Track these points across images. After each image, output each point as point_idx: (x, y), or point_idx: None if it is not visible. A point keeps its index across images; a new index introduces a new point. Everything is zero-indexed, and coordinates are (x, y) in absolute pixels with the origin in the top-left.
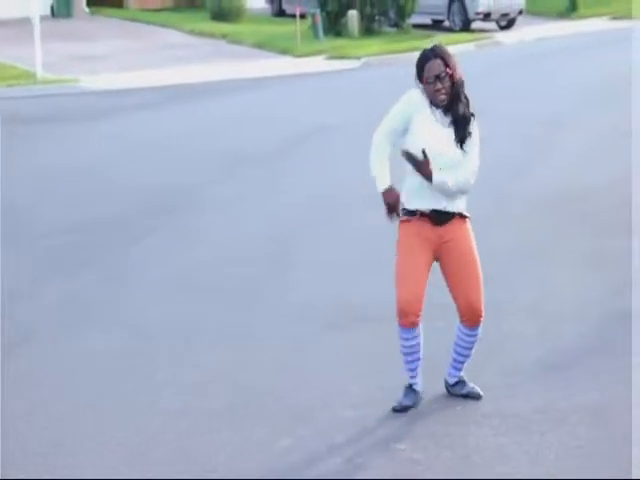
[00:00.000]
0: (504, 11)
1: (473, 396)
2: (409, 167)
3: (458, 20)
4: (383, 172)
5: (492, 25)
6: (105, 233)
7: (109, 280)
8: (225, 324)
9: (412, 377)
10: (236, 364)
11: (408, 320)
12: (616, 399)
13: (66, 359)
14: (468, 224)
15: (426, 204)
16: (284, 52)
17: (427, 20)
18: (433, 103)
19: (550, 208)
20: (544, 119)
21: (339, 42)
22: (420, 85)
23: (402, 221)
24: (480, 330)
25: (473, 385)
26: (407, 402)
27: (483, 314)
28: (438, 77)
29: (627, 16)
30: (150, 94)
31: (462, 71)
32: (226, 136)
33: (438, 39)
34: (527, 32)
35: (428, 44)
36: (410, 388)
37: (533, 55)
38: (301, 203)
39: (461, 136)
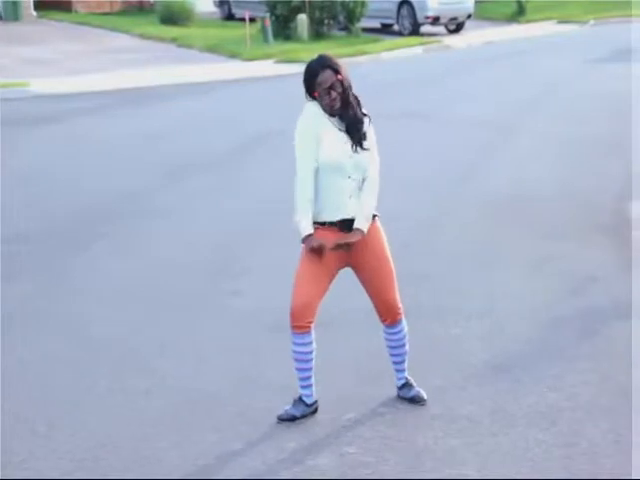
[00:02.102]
0: (453, 15)
1: (418, 400)
2: (321, 182)
3: (407, 24)
4: (307, 219)
5: (441, 29)
6: (49, 240)
7: (51, 288)
8: (171, 331)
9: (302, 387)
10: (182, 370)
11: (297, 325)
12: (563, 402)
13: (7, 369)
14: (377, 223)
15: (333, 215)
16: (233, 56)
17: (376, 24)
18: (329, 113)
19: (498, 212)
20: (492, 123)
21: (288, 46)
22: (309, 99)
23: (308, 235)
24: (404, 326)
25: (419, 389)
26: (294, 412)
27: (401, 310)
28: (331, 87)
29: (573, 20)
30: (99, 98)
31: (347, 72)
32: (175, 141)
33: (387, 43)
34: (476, 36)
35: (377, 48)
36: (300, 400)
37: (481, 59)
38: (249, 208)
39: (357, 139)
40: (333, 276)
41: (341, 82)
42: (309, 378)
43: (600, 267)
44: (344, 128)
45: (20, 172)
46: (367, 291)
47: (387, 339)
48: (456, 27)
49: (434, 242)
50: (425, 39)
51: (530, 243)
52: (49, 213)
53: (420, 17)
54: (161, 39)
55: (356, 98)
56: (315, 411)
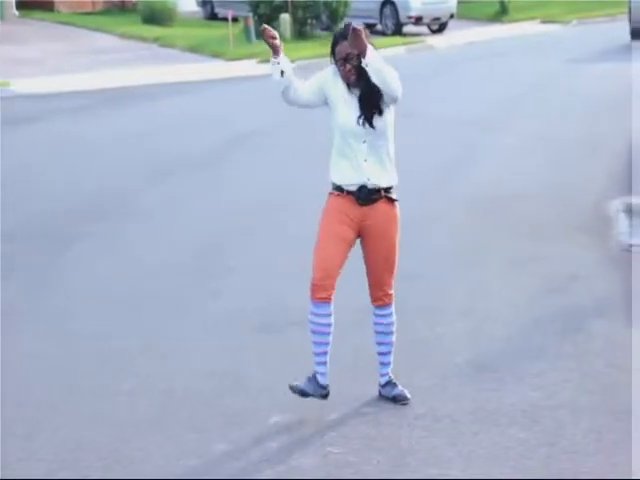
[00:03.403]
0: (436, 15)
1: (401, 399)
2: (335, 140)
3: (390, 24)
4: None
5: (424, 29)
6: (33, 240)
7: (33, 289)
8: (155, 331)
9: (317, 363)
10: (166, 371)
11: (320, 295)
12: (544, 401)
13: None
14: (395, 209)
15: (349, 179)
16: (216, 55)
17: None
18: (346, 82)
19: (480, 211)
20: (475, 122)
21: None
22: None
23: (330, 193)
24: (392, 313)
25: (402, 388)
26: (306, 388)
27: (392, 295)
28: (345, 59)
29: (556, 20)
30: (82, 98)
31: (368, 45)
32: (158, 140)
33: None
34: (458, 36)
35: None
36: (313, 377)
37: (464, 59)
38: (233, 208)
39: (368, 114)
40: (352, 244)
41: (357, 55)
42: (325, 354)
43: (581, 266)
44: (359, 96)
45: (2, 172)
46: (366, 265)
47: (376, 322)
48: (439, 27)
49: (417, 242)
50: (408, 39)
51: (513, 242)
52: (32, 213)
53: (403, 17)
54: (143, 39)
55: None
56: (325, 396)
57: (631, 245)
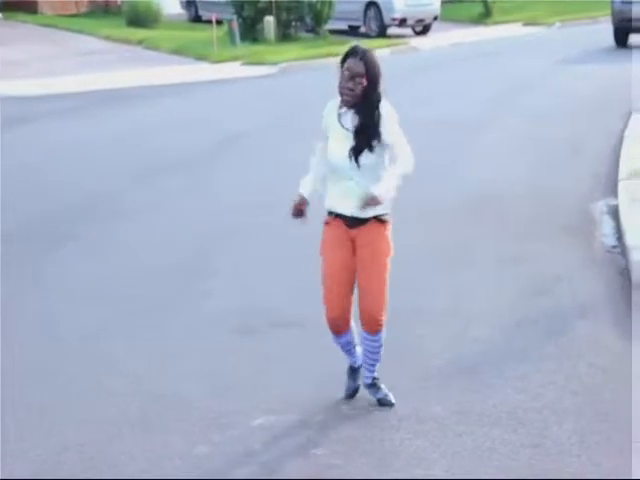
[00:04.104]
0: (420, 17)
1: (385, 403)
2: (329, 175)
3: (374, 26)
4: (305, 181)
5: (408, 31)
6: (20, 242)
7: (22, 290)
8: (139, 333)
9: (351, 359)
10: (150, 373)
11: (338, 331)
12: (528, 402)
13: None
14: (385, 229)
15: (340, 209)
16: (201, 58)
17: (344, 26)
18: (344, 102)
19: (464, 212)
20: (460, 124)
21: (256, 48)
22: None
23: (325, 223)
24: (382, 336)
25: (387, 392)
26: (355, 384)
27: (383, 323)
28: (353, 78)
29: (539, 22)
30: (67, 100)
31: (379, 77)
32: (143, 142)
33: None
34: (442, 38)
35: (344, 50)
36: (352, 369)
37: (448, 60)
38: (218, 209)
39: (359, 147)
40: (354, 268)
41: (364, 87)
42: (354, 354)
43: (565, 267)
44: (353, 128)
45: None
46: (358, 287)
47: (364, 342)
48: (423, 29)
49: (400, 242)
50: (392, 41)
51: (497, 243)
52: (19, 215)
53: (387, 19)
54: (128, 41)
55: (379, 111)
56: (356, 391)
57: (614, 247)
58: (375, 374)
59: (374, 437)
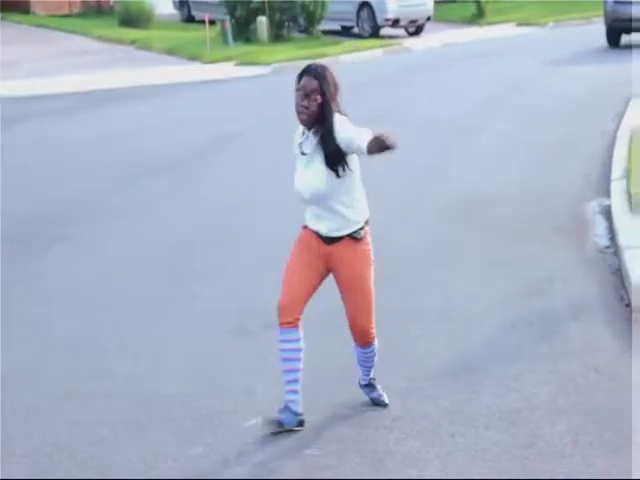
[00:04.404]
0: (413, 17)
1: (379, 403)
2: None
3: (367, 26)
4: None
5: (401, 31)
6: (8, 243)
7: (10, 291)
8: (130, 333)
9: (290, 392)
10: (142, 374)
11: (285, 319)
12: (521, 402)
13: None
14: (360, 246)
15: (310, 223)
16: (194, 58)
17: (336, 26)
18: (300, 121)
19: (457, 213)
20: (452, 125)
21: (248, 48)
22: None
23: (303, 226)
24: (374, 347)
25: (382, 392)
26: (281, 419)
27: (374, 335)
28: (308, 96)
29: (533, 22)
30: (60, 100)
31: (335, 93)
32: (134, 143)
33: (347, 45)
34: (435, 38)
35: (337, 50)
36: (286, 408)
37: (442, 61)
38: (208, 210)
39: (331, 165)
40: (322, 274)
41: (320, 104)
42: (296, 382)
43: (558, 268)
44: (317, 149)
45: None
46: (344, 305)
47: (356, 354)
48: (416, 29)
49: (394, 244)
50: (385, 41)
51: (489, 244)
52: (7, 216)
53: (380, 19)
54: (120, 41)
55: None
56: (301, 424)
57: (607, 247)
58: (371, 375)
59: (368, 437)
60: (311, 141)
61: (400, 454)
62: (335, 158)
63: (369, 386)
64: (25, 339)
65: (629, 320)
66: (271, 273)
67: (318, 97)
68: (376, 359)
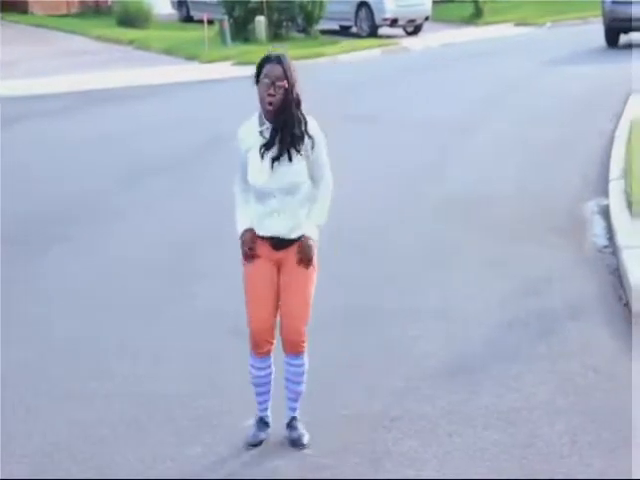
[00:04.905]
0: (411, 17)
1: (298, 445)
2: (251, 195)
3: (365, 26)
4: (243, 217)
5: (399, 31)
6: (7, 244)
7: (10, 292)
8: (130, 333)
9: (261, 410)
10: (141, 374)
11: (259, 350)
12: (519, 402)
13: None
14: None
15: (262, 230)
16: (192, 58)
17: (335, 26)
18: (262, 111)
19: (454, 213)
20: (450, 124)
21: (247, 48)
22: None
23: (246, 230)
24: (304, 363)
25: (302, 432)
26: (261, 435)
27: (305, 345)
28: (273, 83)
29: (530, 22)
30: (58, 100)
31: (297, 82)
32: (132, 143)
33: (345, 45)
34: (433, 38)
35: (335, 50)
36: (261, 421)
37: (439, 61)
38: (207, 210)
39: (283, 147)
40: (276, 285)
41: (285, 90)
42: (267, 402)
43: (556, 268)
44: (272, 137)
45: None
46: (280, 311)
47: (285, 369)
48: (414, 29)
49: (393, 244)
50: (383, 41)
51: (487, 244)
52: (7, 216)
53: (378, 19)
54: (118, 41)
55: (303, 118)
56: (261, 442)
57: (606, 247)
58: (296, 413)
59: (366, 437)
60: (271, 133)
61: (398, 454)
62: (296, 144)
63: (290, 425)
64: (25, 339)
65: (628, 320)
66: None
67: (285, 83)
68: (304, 388)
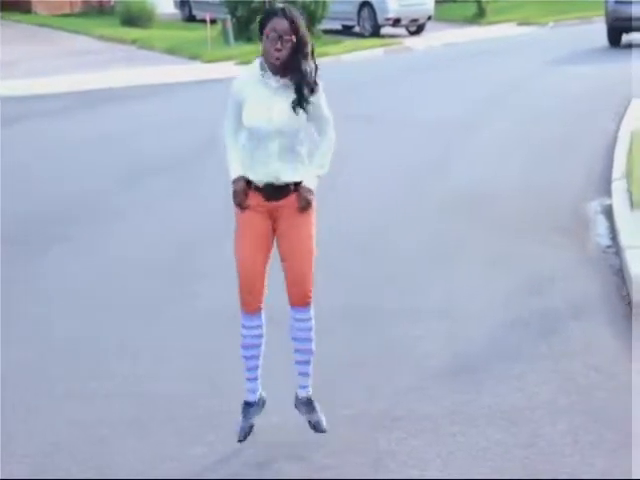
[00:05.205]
0: (413, 17)
1: (317, 428)
2: (242, 140)
3: (368, 26)
4: (235, 162)
5: (402, 31)
6: (7, 244)
7: (10, 292)
8: (131, 333)
9: (249, 380)
10: (142, 374)
11: (248, 308)
12: (522, 402)
13: None
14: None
15: (259, 176)
16: (194, 57)
17: (337, 25)
18: (267, 64)
19: (457, 212)
20: (453, 124)
21: (249, 47)
22: (261, 38)
23: (237, 179)
24: (311, 317)
25: (321, 416)
26: (248, 423)
27: (311, 296)
28: (280, 37)
29: (533, 22)
30: (59, 100)
31: (309, 38)
32: (133, 142)
33: (348, 45)
34: (436, 38)
35: (338, 50)
36: (246, 404)
37: (442, 60)
38: (208, 210)
39: (298, 100)
40: (271, 241)
41: (293, 43)
42: (257, 368)
43: (559, 267)
44: (282, 87)
45: None
46: (284, 262)
47: (295, 328)
48: (417, 29)
49: (394, 243)
50: (386, 41)
51: (490, 243)
52: (7, 216)
53: (381, 19)
54: (122, 41)
55: (315, 65)
56: (263, 405)
57: (609, 246)
58: (310, 390)
59: (369, 437)
60: (277, 80)
61: (401, 454)
62: (305, 101)
63: (308, 404)
64: (25, 339)
65: (630, 319)
66: (272, 271)
67: (292, 38)
68: (314, 347)
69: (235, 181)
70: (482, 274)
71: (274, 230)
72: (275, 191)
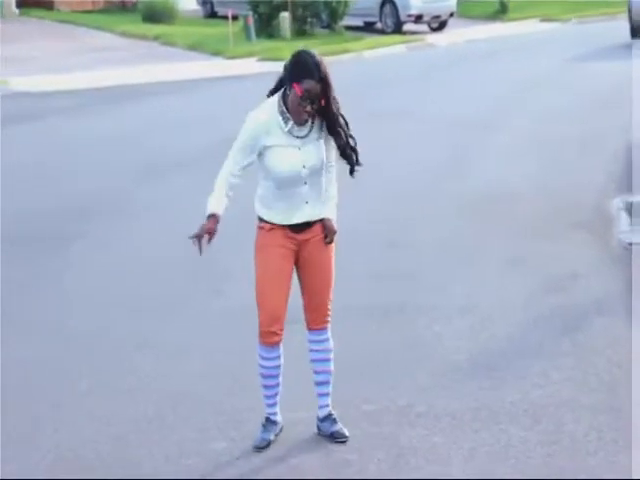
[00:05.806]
0: (436, 13)
1: (339, 437)
2: (268, 186)
3: (390, 22)
4: (216, 200)
5: (424, 27)
6: (29, 240)
7: (32, 289)
8: (153, 330)
9: (269, 405)
10: (165, 371)
11: (269, 340)
12: (545, 399)
13: None
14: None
15: (287, 220)
16: (216, 54)
17: (359, 22)
18: (292, 117)
19: (478, 210)
20: (474, 121)
21: (271, 44)
22: (287, 86)
23: (260, 228)
24: (330, 338)
25: (341, 425)
26: (268, 436)
27: (329, 318)
28: (312, 101)
29: (556, 18)
30: (80, 96)
31: (335, 93)
32: (155, 139)
33: (369, 41)
34: (458, 34)
35: (360, 46)
36: (268, 420)
37: (464, 57)
38: (229, 207)
39: (350, 169)
40: (290, 276)
41: (325, 102)
42: (276, 395)
43: (581, 264)
44: (303, 134)
45: None
46: (303, 290)
47: (312, 350)
48: (439, 25)
49: (415, 241)
50: (408, 37)
51: (512, 241)
52: (28, 212)
53: (403, 15)
54: (144, 37)
55: (344, 122)
56: (280, 430)
57: (631, 243)
58: (329, 401)
59: (390, 433)
60: (301, 129)
61: (423, 450)
62: (354, 164)
63: (328, 419)
64: (48, 337)
65: None
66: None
67: (322, 102)
68: (333, 367)
69: (209, 217)
70: (504, 271)
71: (296, 260)
72: (305, 224)
